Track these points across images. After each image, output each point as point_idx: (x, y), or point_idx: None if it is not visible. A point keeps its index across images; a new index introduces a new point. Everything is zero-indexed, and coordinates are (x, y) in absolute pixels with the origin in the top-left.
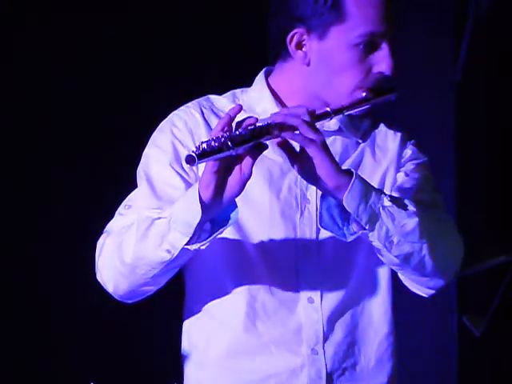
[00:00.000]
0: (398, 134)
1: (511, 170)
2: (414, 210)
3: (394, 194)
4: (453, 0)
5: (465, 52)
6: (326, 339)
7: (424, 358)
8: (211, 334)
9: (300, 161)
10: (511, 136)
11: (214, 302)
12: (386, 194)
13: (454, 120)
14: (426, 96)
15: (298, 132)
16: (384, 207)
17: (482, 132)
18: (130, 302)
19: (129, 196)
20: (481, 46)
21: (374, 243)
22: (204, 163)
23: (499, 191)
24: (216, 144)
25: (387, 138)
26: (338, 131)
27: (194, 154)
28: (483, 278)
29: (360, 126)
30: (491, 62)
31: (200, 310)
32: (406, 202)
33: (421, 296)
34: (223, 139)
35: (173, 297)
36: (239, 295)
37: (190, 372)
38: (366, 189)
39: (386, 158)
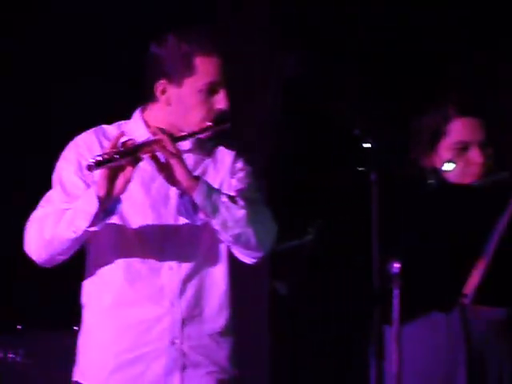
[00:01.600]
0: (232, 152)
1: (307, 182)
2: (243, 204)
3: (230, 193)
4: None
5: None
6: (181, 295)
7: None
8: (101, 291)
9: (164, 169)
10: (310, 161)
11: (103, 268)
12: (223, 193)
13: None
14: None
15: (164, 147)
16: (222, 202)
17: (289, 154)
18: (48, 266)
19: (46, 194)
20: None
21: (215, 227)
22: (99, 170)
23: (300, 194)
24: (107, 157)
25: (224, 155)
26: (190, 150)
27: (92, 164)
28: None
29: (206, 146)
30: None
31: (94, 274)
32: (237, 199)
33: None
34: (112, 154)
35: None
36: (120, 264)
37: (86, 318)
38: (210, 189)
39: (223, 169)
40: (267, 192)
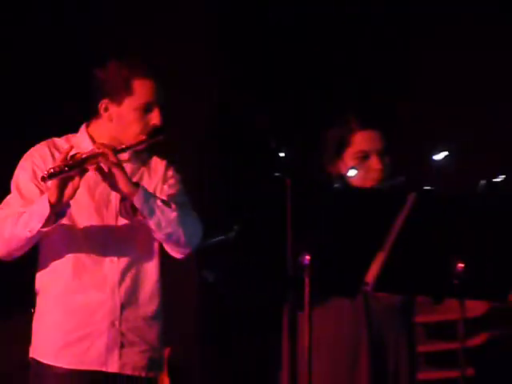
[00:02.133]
0: (164, 162)
1: (233, 188)
2: (175, 207)
3: (163, 198)
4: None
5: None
6: (120, 284)
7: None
8: (52, 280)
9: (108, 178)
10: (236, 170)
11: (55, 261)
12: (158, 198)
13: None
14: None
15: (107, 159)
16: (157, 206)
17: (215, 169)
18: (7, 260)
19: (5, 199)
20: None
21: (150, 227)
22: (51, 180)
23: (227, 197)
24: (58, 169)
25: (157, 164)
26: (129, 160)
27: (45, 176)
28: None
29: (141, 156)
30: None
31: (47, 266)
32: (170, 203)
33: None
34: (62, 166)
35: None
36: (69, 257)
37: (40, 303)
38: (147, 194)
39: (157, 177)
40: (198, 196)
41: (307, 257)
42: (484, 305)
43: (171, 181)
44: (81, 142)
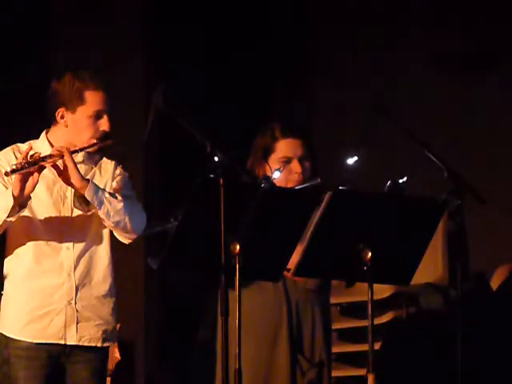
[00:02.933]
0: (113, 162)
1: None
2: (121, 199)
3: (111, 191)
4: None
5: (149, 125)
6: (75, 269)
7: (125, 279)
8: (17, 265)
9: (63, 174)
10: (177, 170)
11: (18, 248)
12: (106, 191)
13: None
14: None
15: (62, 157)
16: (106, 197)
17: (158, 169)
18: None
19: None
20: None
21: (101, 216)
22: (14, 175)
23: (168, 195)
24: (19, 166)
25: (107, 165)
26: (82, 161)
27: (8, 171)
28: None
29: (93, 158)
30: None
31: (12, 252)
32: (117, 195)
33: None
34: (23, 163)
35: None
36: (30, 245)
37: (6, 286)
38: (96, 188)
39: (107, 175)
40: (144, 192)
41: (237, 246)
42: (390, 288)
43: (118, 178)
44: (41, 146)
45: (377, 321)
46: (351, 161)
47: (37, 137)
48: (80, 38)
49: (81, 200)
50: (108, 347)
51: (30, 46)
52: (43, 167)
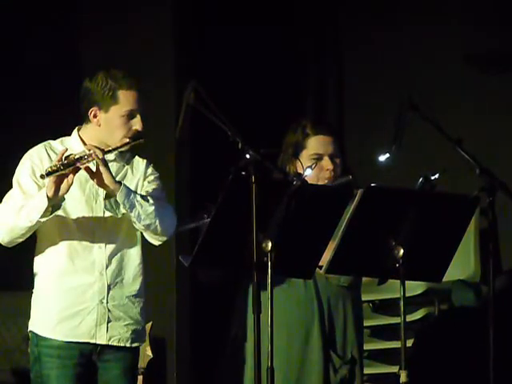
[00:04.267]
0: (145, 161)
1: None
2: (152, 202)
3: (143, 193)
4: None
5: (181, 123)
6: (107, 267)
7: (157, 278)
8: (48, 263)
9: (95, 176)
10: (209, 168)
11: (50, 247)
12: (138, 194)
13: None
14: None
15: (95, 159)
16: (137, 201)
17: (188, 162)
18: (9, 246)
19: (8, 193)
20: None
21: (132, 219)
22: (49, 177)
23: (201, 192)
24: (55, 168)
25: (139, 163)
26: (114, 160)
27: (44, 174)
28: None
29: (126, 156)
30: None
31: (43, 251)
32: (148, 197)
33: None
34: (58, 165)
35: None
36: (63, 244)
37: (37, 283)
38: (128, 191)
39: (138, 174)
40: (176, 189)
41: (269, 244)
42: (422, 285)
43: (150, 177)
44: (73, 144)
45: (409, 318)
46: (383, 158)
47: (68, 134)
48: (107, 36)
49: (112, 202)
50: (137, 347)
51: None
52: (78, 169)
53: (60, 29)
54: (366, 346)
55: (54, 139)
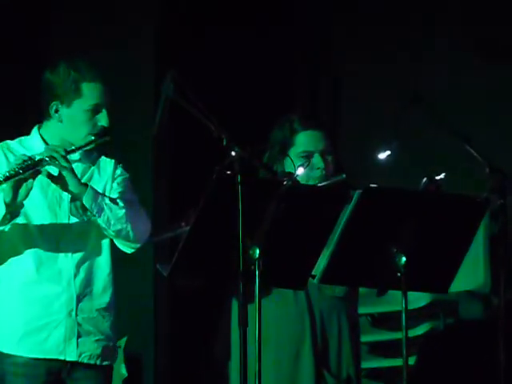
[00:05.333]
0: (112, 161)
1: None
2: (122, 205)
3: (112, 196)
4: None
5: (159, 118)
6: (75, 277)
7: (132, 289)
8: (11, 274)
9: (58, 179)
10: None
11: (13, 256)
12: (106, 196)
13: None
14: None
15: (57, 162)
16: (106, 204)
17: (167, 162)
18: None
19: None
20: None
21: (100, 224)
22: (6, 183)
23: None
24: (13, 173)
25: (106, 164)
26: (79, 160)
27: (1, 179)
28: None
29: (91, 156)
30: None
31: (6, 261)
32: (118, 200)
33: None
34: (17, 169)
35: None
36: (27, 253)
37: (1, 297)
38: (95, 194)
39: (106, 175)
40: (153, 193)
41: (257, 251)
42: (426, 296)
43: (119, 179)
44: (33, 143)
45: (411, 333)
46: (383, 155)
47: (27, 133)
48: (81, 23)
49: (78, 207)
50: (109, 365)
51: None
52: (38, 172)
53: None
54: (364, 365)
55: (12, 139)
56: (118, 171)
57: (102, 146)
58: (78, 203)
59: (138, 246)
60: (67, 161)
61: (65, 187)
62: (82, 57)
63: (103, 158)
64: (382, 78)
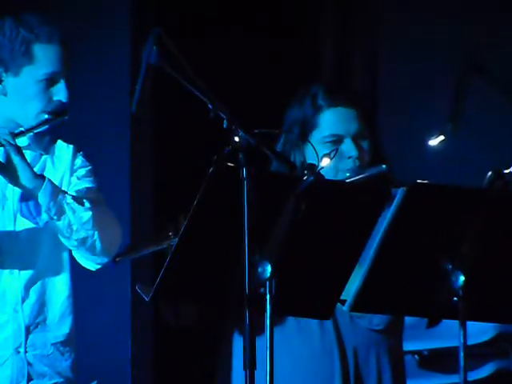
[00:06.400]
0: (71, 147)
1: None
2: (89, 206)
3: (72, 194)
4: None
5: (139, 92)
6: (23, 301)
7: (102, 317)
8: None
9: (6, 170)
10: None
11: None
12: (68, 194)
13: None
14: (108, 119)
15: (4, 148)
16: (67, 203)
17: (149, 153)
18: None
19: None
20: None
21: (60, 230)
22: None
23: (162, 201)
24: None
25: (62, 151)
26: (28, 146)
27: None
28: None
29: (43, 141)
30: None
31: None
32: (84, 200)
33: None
34: None
35: None
36: None
37: None
38: (54, 189)
39: (62, 166)
40: (131, 193)
41: (268, 268)
42: (491, 328)
43: (81, 171)
44: None
45: (472, 375)
46: (434, 142)
47: None
48: None
49: (30, 206)
50: None
51: None
52: None
53: None
54: None
55: None
56: (79, 161)
57: (58, 127)
58: (31, 203)
59: (106, 260)
60: (18, 147)
61: (14, 181)
62: (35, 11)
63: (59, 142)
64: (430, 38)
